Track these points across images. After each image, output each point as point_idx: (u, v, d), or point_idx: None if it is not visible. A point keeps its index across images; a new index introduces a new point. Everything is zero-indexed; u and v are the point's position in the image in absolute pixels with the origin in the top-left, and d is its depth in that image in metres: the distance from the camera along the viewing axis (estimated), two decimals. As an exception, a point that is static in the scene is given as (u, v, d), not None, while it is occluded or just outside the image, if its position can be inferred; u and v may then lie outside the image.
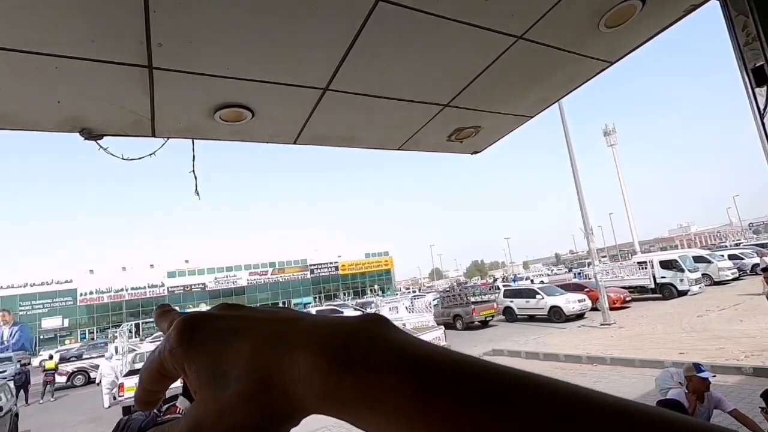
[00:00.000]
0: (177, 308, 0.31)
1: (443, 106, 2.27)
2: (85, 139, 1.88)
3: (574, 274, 40.00)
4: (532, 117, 2.67)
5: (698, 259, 21.46)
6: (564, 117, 16.69)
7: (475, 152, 3.07)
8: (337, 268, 62.06)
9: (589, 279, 21.01)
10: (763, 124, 1.26)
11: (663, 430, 0.18)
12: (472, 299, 20.89)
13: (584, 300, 17.71)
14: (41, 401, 15.41)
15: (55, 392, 16.03)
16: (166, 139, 2.06)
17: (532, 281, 34.96)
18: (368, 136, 2.50)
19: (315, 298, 57.61)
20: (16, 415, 10.67)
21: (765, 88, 1.22)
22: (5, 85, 1.53)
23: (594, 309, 16.77)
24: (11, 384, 11.84)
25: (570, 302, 17.31)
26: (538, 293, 18.71)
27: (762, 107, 1.25)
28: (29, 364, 17.64)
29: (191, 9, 1.34)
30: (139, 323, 43.79)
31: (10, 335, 42.25)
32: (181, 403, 2.88)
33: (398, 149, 2.76)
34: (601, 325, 13.66)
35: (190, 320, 0.25)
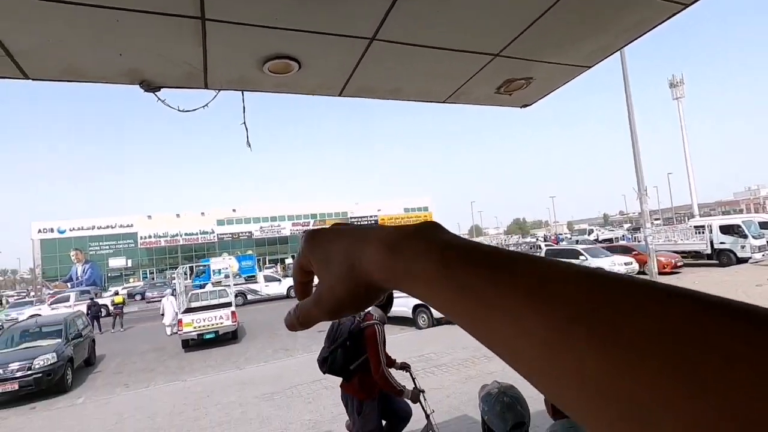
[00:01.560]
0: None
1: (494, 55, 2.16)
2: (145, 90, 1.97)
3: (622, 236, 38.43)
4: (589, 67, 2.49)
5: (765, 225, 19.88)
6: (625, 66, 15.36)
7: (525, 106, 2.93)
8: (376, 222, 63.00)
9: (639, 242, 20.14)
10: None
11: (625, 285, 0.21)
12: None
13: (631, 263, 17.13)
14: (112, 331, 17.34)
15: (123, 324, 17.95)
16: (217, 91, 2.12)
17: (593, 233, 33.88)
18: (413, 88, 2.45)
19: (355, 250, 59.13)
20: (93, 340, 12.10)
21: None
22: (72, 39, 1.62)
23: (641, 273, 16.21)
24: (86, 315, 13.35)
25: (615, 265, 16.79)
26: (582, 254, 18.25)
27: None
28: (100, 297, 19.74)
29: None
30: (192, 266, 47.34)
31: (83, 272, 46.93)
32: (374, 311, 3.46)
33: (443, 102, 2.69)
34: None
35: (311, 231, 0.39)
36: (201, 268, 26.48)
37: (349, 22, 1.74)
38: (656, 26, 2.21)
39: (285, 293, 22.71)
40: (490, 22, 1.90)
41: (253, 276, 28.02)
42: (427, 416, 3.40)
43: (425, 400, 3.38)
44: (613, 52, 2.39)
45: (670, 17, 2.07)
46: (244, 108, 2.32)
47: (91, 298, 19.47)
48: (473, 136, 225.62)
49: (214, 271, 24.05)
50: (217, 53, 1.82)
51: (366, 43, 1.89)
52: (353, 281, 0.34)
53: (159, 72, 1.91)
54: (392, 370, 3.43)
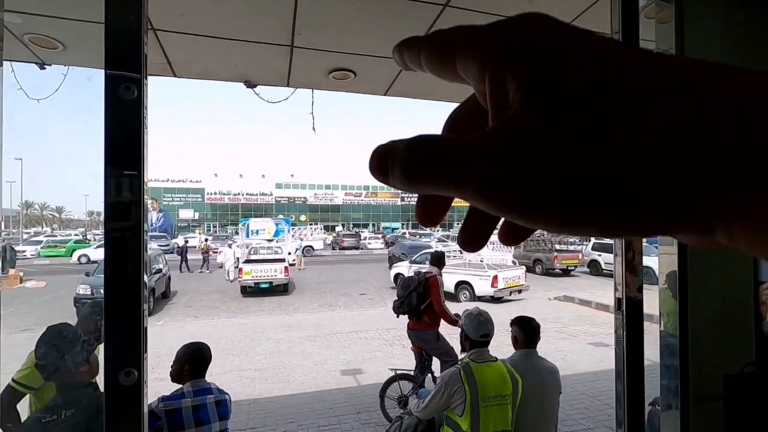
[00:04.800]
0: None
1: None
2: (247, 87, 2.81)
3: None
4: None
5: None
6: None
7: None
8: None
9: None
10: None
11: None
12: (557, 246, 20.61)
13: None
14: (200, 271, 19.72)
15: (209, 266, 20.34)
16: (295, 89, 2.92)
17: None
18: (445, 92, 3.11)
19: (403, 224, 60.31)
20: (169, 277, 14.05)
21: None
22: (209, 54, 2.46)
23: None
24: (164, 255, 15.46)
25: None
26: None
27: None
28: (187, 242, 22.06)
29: (323, 13, 2.08)
30: (240, 225, 51.03)
31: (157, 219, 51.88)
32: (431, 268, 4.62)
33: (469, 103, 3.31)
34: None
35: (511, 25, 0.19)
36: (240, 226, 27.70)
37: (391, 47, 2.43)
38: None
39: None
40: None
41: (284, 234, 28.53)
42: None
43: None
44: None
45: None
46: (312, 102, 3.12)
47: (185, 241, 21.95)
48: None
49: (252, 231, 25.25)
50: (297, 66, 2.60)
51: (403, 63, 2.58)
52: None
53: (257, 75, 2.74)
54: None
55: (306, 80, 2.80)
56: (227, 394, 2.23)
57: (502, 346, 2.91)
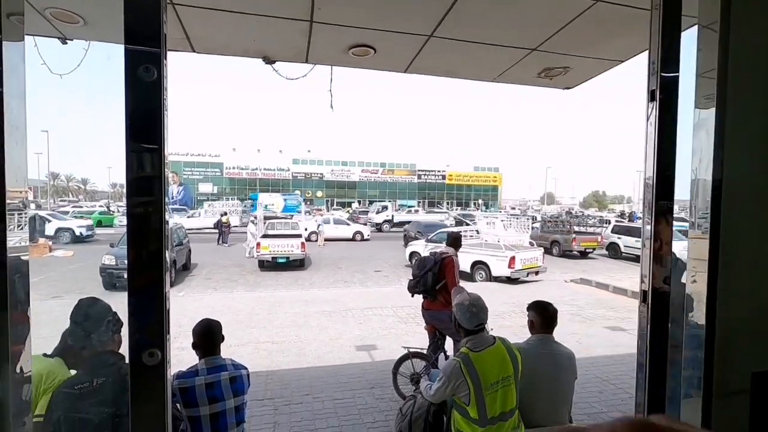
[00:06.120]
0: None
1: (531, 50, 2.65)
2: (266, 63, 2.77)
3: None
4: (622, 61, 2.86)
5: None
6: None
7: (567, 88, 3.35)
8: (444, 177, 62.86)
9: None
10: None
11: None
12: (576, 228, 20.29)
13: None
14: (218, 245, 20.18)
15: (228, 240, 20.75)
16: (313, 65, 2.86)
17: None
18: (464, 70, 3.01)
19: (419, 202, 60.13)
20: (190, 250, 14.41)
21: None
22: (228, 30, 2.42)
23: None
24: (185, 228, 15.79)
25: (686, 249, 15.91)
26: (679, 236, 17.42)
27: None
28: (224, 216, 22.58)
29: (341, -13, 2.01)
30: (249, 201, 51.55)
31: (177, 192, 52.85)
32: (448, 249, 4.69)
33: (492, 81, 3.21)
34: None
35: None
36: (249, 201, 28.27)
37: (412, 23, 2.36)
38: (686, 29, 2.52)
39: (351, 236, 24.22)
40: (528, 22, 2.40)
41: (299, 213, 29.01)
42: None
43: None
44: (645, 50, 2.72)
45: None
46: (331, 79, 3.06)
47: (221, 215, 22.37)
48: (556, 100, 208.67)
49: (261, 204, 25.75)
50: (316, 41, 2.54)
51: (425, 39, 2.49)
52: None
53: (276, 51, 2.69)
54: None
55: (325, 56, 2.74)
56: (244, 368, 2.27)
57: (517, 328, 2.89)
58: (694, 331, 1.32)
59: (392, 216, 32.89)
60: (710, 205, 1.28)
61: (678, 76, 1.29)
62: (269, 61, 2.76)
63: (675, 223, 1.40)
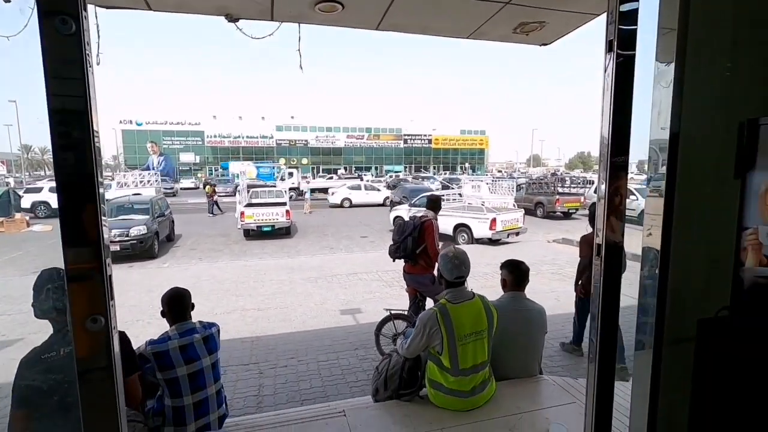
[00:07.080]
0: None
1: (504, 3, 2.56)
2: (228, 21, 2.62)
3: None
4: (598, 15, 2.78)
5: None
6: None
7: (544, 44, 3.27)
8: (430, 141, 62.36)
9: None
10: None
11: None
12: (560, 190, 20.54)
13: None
14: (210, 214, 19.93)
15: (214, 211, 20.44)
16: (280, 23, 2.73)
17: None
18: (438, 25, 2.90)
19: (405, 167, 59.82)
20: (172, 221, 14.23)
21: None
22: (182, -16, 2.27)
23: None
24: (165, 200, 15.51)
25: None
26: (633, 194, 17.77)
27: None
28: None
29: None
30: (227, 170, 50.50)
31: (158, 163, 51.59)
32: (428, 213, 4.66)
33: (467, 38, 3.11)
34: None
35: None
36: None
37: (380, -25, 2.24)
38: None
39: (339, 203, 24.04)
40: (500, -25, 2.30)
41: (273, 183, 28.59)
42: None
43: None
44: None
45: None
46: (299, 38, 2.92)
47: (204, 186, 21.65)
48: (540, 61, 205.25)
49: (233, 174, 25.42)
50: (280, -4, 2.41)
51: (394, -8, 2.38)
52: None
53: (239, 8, 2.54)
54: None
55: (291, 13, 2.61)
56: (214, 325, 2.31)
57: (498, 288, 2.97)
58: (647, 282, 1.36)
59: (298, 183, 30.76)
60: (667, 156, 1.29)
61: (636, 29, 1.26)
62: (232, 19, 2.62)
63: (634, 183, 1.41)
